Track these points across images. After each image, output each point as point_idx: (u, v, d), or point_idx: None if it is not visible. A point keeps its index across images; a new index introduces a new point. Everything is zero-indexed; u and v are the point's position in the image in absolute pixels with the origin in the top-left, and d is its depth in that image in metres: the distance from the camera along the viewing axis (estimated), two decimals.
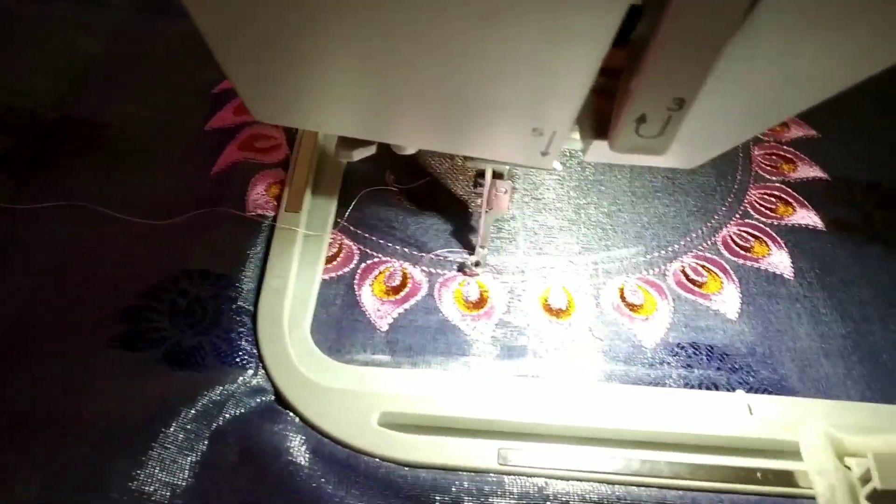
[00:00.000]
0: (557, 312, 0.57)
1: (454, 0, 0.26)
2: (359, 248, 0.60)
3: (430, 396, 0.49)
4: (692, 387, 0.53)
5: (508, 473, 0.46)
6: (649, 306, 0.57)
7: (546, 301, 0.58)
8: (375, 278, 0.58)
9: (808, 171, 0.69)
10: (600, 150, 0.35)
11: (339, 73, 0.33)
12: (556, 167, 0.41)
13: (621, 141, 0.31)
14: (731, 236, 0.63)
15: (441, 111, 0.35)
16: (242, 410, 0.48)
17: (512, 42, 0.27)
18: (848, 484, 0.44)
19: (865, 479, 0.43)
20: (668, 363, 0.54)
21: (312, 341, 0.53)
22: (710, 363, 0.54)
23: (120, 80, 0.74)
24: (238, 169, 0.64)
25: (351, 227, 0.61)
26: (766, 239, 0.63)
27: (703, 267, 0.60)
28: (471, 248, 0.60)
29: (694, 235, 0.63)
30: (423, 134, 0.39)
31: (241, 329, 0.52)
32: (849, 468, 0.45)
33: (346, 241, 0.60)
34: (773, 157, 0.70)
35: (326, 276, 0.58)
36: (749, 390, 0.52)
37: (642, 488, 0.46)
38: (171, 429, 0.45)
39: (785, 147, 0.71)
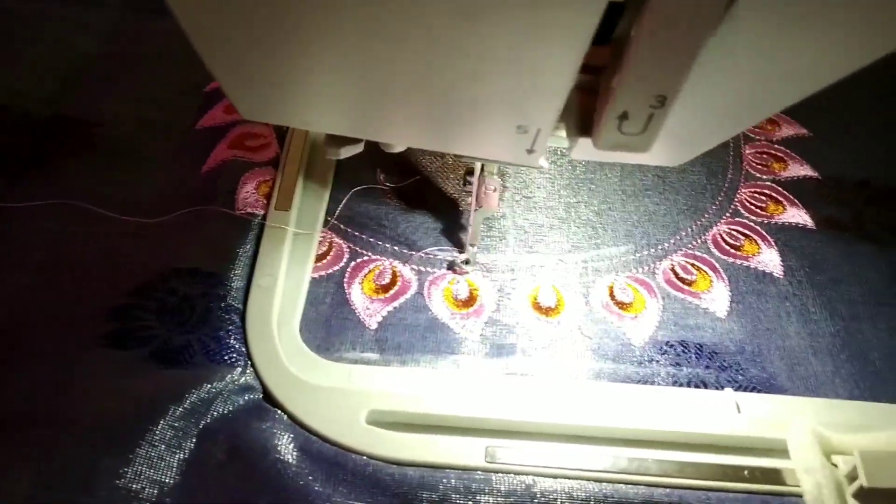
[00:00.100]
0: (547, 311, 0.57)
1: None
2: (348, 247, 0.60)
3: (419, 394, 0.49)
4: (681, 385, 0.53)
5: (496, 471, 0.46)
6: (638, 304, 0.58)
7: (535, 299, 0.58)
8: (365, 276, 0.58)
9: (799, 169, 0.69)
10: (586, 148, 0.35)
11: (323, 71, 0.33)
12: (542, 165, 0.41)
13: (604, 138, 0.31)
14: (721, 235, 0.63)
15: (425, 109, 0.35)
16: (231, 408, 0.48)
17: (492, 39, 0.27)
18: (835, 482, 0.44)
19: (852, 476, 0.43)
20: (657, 361, 0.54)
21: (301, 339, 0.53)
22: (699, 361, 0.54)
23: (112, 79, 0.74)
24: (228, 167, 0.64)
25: (341, 226, 0.61)
26: (756, 237, 0.63)
27: (692, 265, 0.61)
28: (461, 247, 0.60)
29: (684, 234, 0.63)
30: (409, 132, 0.39)
31: (230, 327, 0.52)
32: (836, 466, 0.45)
33: (336, 240, 0.60)
34: (764, 155, 0.70)
35: (316, 275, 0.58)
36: (738, 388, 0.52)
37: (630, 486, 0.46)
38: (159, 427, 0.45)
39: (776, 146, 0.71)
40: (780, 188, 0.67)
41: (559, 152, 0.68)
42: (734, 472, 0.46)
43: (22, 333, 0.52)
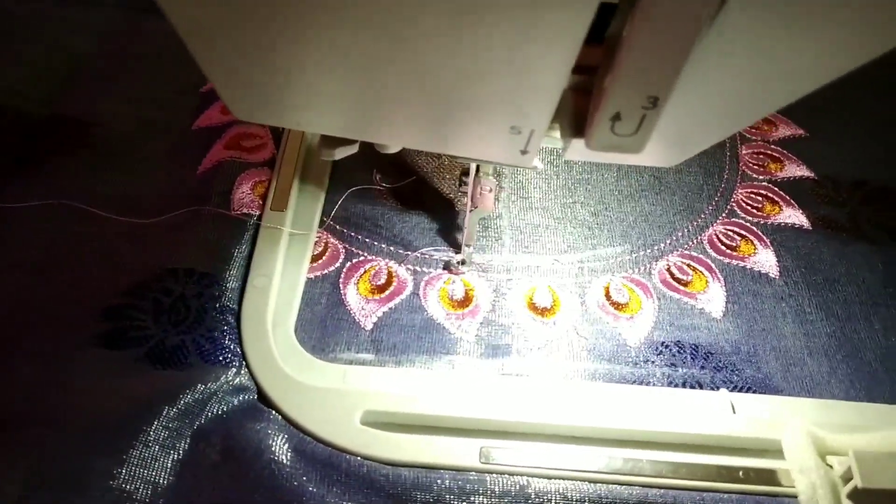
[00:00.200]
0: (542, 311, 0.57)
1: None
2: (344, 247, 0.60)
3: (414, 395, 0.49)
4: (676, 385, 0.53)
5: (490, 472, 0.46)
6: (634, 305, 0.58)
7: (531, 300, 0.58)
8: (361, 277, 0.58)
9: (795, 170, 0.69)
10: (580, 149, 0.35)
11: (316, 72, 0.33)
12: (537, 166, 0.41)
13: (597, 139, 0.31)
14: (717, 235, 0.63)
15: (419, 110, 0.35)
16: (225, 409, 0.48)
17: (484, 39, 0.27)
18: (830, 482, 0.44)
19: (847, 477, 0.43)
20: (653, 362, 0.54)
21: (296, 340, 0.53)
22: (695, 362, 0.54)
23: (109, 79, 0.74)
24: (224, 168, 0.64)
25: (337, 226, 0.61)
26: (752, 238, 0.63)
27: (688, 266, 0.60)
28: (457, 247, 0.60)
29: (680, 234, 0.63)
30: (403, 133, 0.39)
31: (225, 328, 0.52)
32: (831, 467, 0.45)
33: (332, 240, 0.60)
34: (761, 156, 0.70)
35: (312, 275, 0.58)
36: (733, 389, 0.52)
37: (624, 487, 0.46)
38: (153, 427, 0.45)
39: (772, 146, 0.71)
40: (776, 188, 0.67)
41: (555, 153, 0.68)
42: (729, 473, 0.46)
43: (16, 333, 0.52)
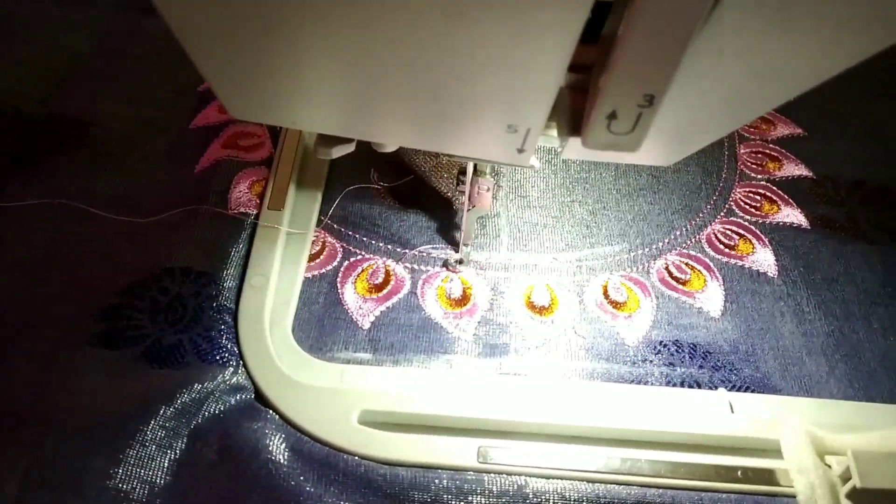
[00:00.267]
0: (540, 310, 0.57)
1: None
2: (342, 246, 0.60)
3: (411, 394, 0.49)
4: (674, 385, 0.53)
5: (488, 472, 0.46)
6: (632, 304, 0.57)
7: (529, 298, 0.57)
8: (358, 276, 0.58)
9: (794, 169, 0.69)
10: (577, 148, 0.35)
11: (312, 70, 0.33)
12: (533, 164, 0.41)
13: (593, 137, 0.31)
14: (715, 234, 0.63)
15: (415, 108, 0.35)
16: (222, 408, 0.48)
17: (480, 37, 0.27)
18: (828, 482, 0.44)
19: (846, 477, 0.43)
20: (651, 361, 0.54)
21: (293, 339, 0.53)
22: (693, 361, 0.54)
23: (105, 78, 0.74)
24: (221, 167, 0.64)
25: (334, 225, 0.61)
26: (750, 237, 0.63)
27: (686, 265, 0.60)
28: (455, 246, 0.60)
29: (678, 233, 0.63)
30: (399, 131, 0.39)
31: (222, 327, 0.52)
32: (829, 466, 0.45)
33: (330, 239, 0.60)
34: (759, 155, 0.70)
35: (309, 274, 0.58)
36: (731, 388, 0.52)
37: (622, 487, 0.46)
38: (150, 427, 0.45)
39: (771, 145, 0.71)
40: (774, 188, 0.67)
41: (553, 152, 0.68)
42: (727, 473, 0.46)
43: (13, 332, 0.52)
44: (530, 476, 0.46)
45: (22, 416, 0.47)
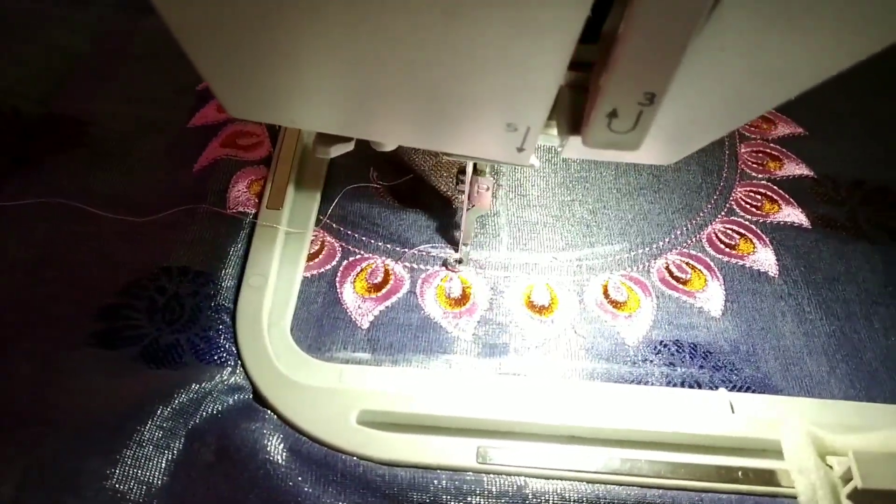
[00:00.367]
0: (540, 309, 0.57)
1: None
2: (341, 245, 0.60)
3: (410, 394, 0.49)
4: (675, 385, 0.52)
5: (487, 472, 0.45)
6: (633, 303, 0.57)
7: (529, 298, 0.57)
8: (357, 275, 0.58)
9: (795, 168, 0.68)
10: (577, 146, 0.35)
11: (311, 69, 0.33)
12: (533, 163, 0.41)
13: (594, 136, 0.31)
14: (716, 234, 0.63)
15: (414, 107, 0.35)
16: (220, 408, 0.47)
17: (478, 36, 0.27)
18: (829, 483, 0.44)
19: (847, 478, 0.43)
20: (651, 361, 0.54)
21: (292, 339, 0.52)
22: (693, 361, 0.54)
23: (104, 78, 0.74)
24: (220, 166, 0.63)
25: (333, 224, 0.61)
26: (751, 236, 0.62)
27: (687, 264, 0.60)
28: (454, 245, 0.60)
29: (679, 233, 0.62)
30: (398, 130, 0.39)
31: (220, 327, 0.52)
32: (830, 467, 0.45)
33: (329, 238, 0.60)
34: (760, 154, 0.70)
35: (308, 274, 0.57)
36: (732, 388, 0.52)
37: (622, 487, 0.45)
38: (147, 427, 0.45)
39: (771, 144, 0.71)
40: (775, 187, 0.67)
41: (553, 151, 0.68)
42: (728, 473, 0.46)
43: (11, 332, 0.52)
44: (530, 476, 0.45)
45: (20, 416, 0.46)
